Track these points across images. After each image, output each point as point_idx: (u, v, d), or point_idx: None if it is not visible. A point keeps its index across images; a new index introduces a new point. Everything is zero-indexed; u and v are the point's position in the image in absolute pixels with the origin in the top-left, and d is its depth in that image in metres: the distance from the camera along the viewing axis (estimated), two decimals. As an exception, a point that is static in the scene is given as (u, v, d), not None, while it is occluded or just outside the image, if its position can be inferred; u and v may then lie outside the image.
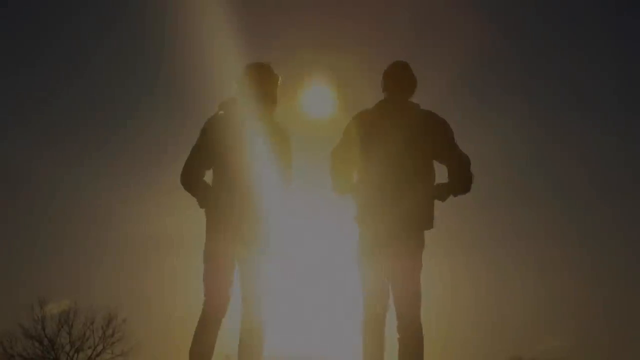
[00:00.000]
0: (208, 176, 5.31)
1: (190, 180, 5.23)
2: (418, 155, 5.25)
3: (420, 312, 5.20)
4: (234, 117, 5.26)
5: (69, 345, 42.52)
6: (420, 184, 5.24)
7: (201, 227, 5.23)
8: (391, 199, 5.19)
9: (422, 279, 5.26)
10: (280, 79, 5.37)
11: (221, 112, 5.32)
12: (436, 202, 5.32)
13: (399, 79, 5.40)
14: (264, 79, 5.31)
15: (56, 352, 42.07)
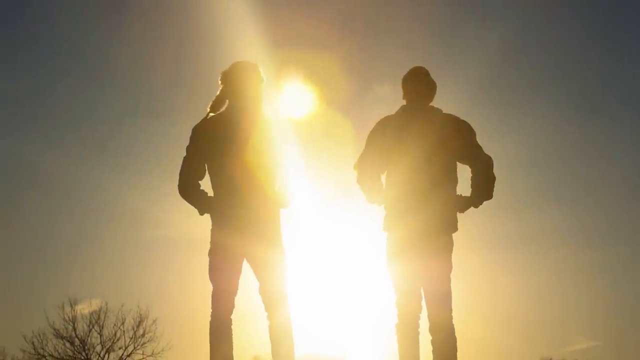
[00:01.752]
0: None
1: (188, 191, 5.15)
2: (443, 160, 5.25)
3: (452, 313, 5.19)
4: (227, 118, 5.18)
5: (100, 346, 42.81)
6: (445, 187, 5.25)
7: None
8: (418, 204, 5.19)
9: (453, 280, 5.24)
10: (265, 80, 5.26)
11: (211, 114, 5.23)
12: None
13: (418, 84, 5.39)
14: (253, 77, 5.22)
15: (87, 353, 42.35)
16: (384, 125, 5.40)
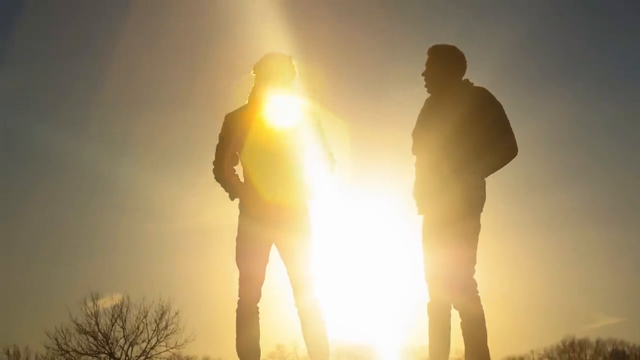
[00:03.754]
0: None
1: (223, 175, 5.25)
2: (467, 142, 5.12)
3: (475, 297, 5.13)
4: (257, 107, 5.22)
5: (123, 340, 42.95)
6: (469, 172, 5.11)
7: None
8: (438, 190, 5.12)
9: (478, 262, 5.19)
10: (297, 72, 5.30)
11: (243, 103, 5.29)
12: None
13: (428, 63, 5.28)
14: (285, 68, 5.25)
15: (111, 347, 42.51)
16: (422, 108, 5.37)
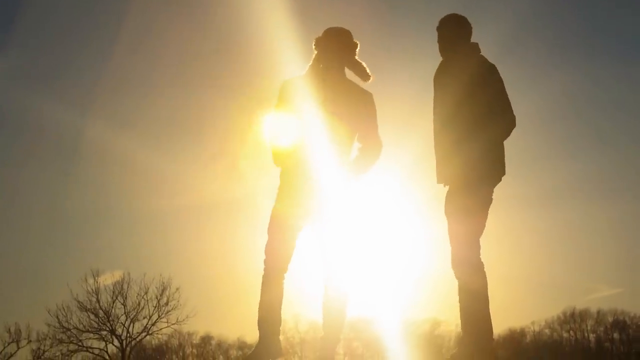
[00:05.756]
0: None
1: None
2: (469, 114, 5.05)
3: (476, 267, 5.08)
4: (312, 80, 5.19)
5: (124, 316, 43.11)
6: (471, 142, 5.03)
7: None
8: (446, 157, 5.10)
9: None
10: (358, 46, 5.27)
11: (298, 74, 5.26)
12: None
13: (439, 36, 5.30)
14: (344, 42, 5.22)
15: (112, 324, 42.68)
16: (434, 74, 5.35)
